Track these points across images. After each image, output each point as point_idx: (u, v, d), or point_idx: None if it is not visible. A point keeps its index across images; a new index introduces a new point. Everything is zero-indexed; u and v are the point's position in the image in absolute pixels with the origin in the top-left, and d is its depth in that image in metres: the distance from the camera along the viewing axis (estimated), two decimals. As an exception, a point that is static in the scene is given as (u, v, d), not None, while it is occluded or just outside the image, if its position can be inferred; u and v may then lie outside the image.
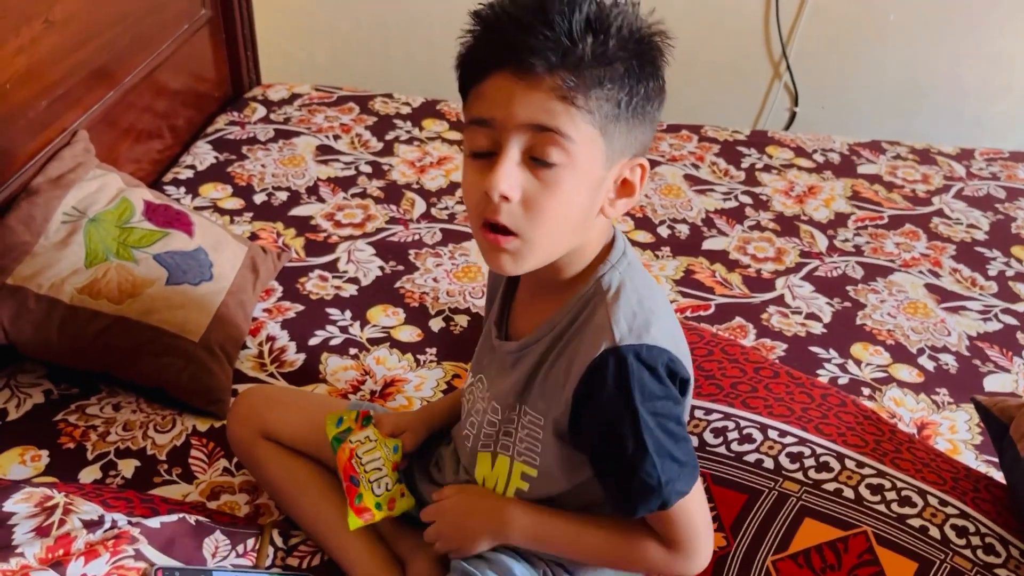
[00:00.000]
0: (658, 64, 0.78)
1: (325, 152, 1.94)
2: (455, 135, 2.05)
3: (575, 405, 0.81)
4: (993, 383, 1.42)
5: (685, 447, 0.82)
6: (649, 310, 0.81)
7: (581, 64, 0.72)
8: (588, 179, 0.77)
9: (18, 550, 0.85)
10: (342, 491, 1.02)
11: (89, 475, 1.17)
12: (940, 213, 1.87)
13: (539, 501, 0.91)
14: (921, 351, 1.48)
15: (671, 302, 1.56)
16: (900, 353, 1.47)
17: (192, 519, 1.00)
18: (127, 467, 1.19)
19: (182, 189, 1.76)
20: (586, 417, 0.81)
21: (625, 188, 0.82)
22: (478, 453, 0.95)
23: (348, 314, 1.48)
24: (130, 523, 0.94)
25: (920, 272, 1.68)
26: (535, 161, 0.75)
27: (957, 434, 1.32)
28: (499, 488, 0.93)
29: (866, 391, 1.38)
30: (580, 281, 0.84)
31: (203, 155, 1.87)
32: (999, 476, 1.16)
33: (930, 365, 1.44)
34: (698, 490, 0.84)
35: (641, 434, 0.78)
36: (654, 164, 1.99)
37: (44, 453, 1.20)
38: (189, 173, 1.81)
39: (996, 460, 1.22)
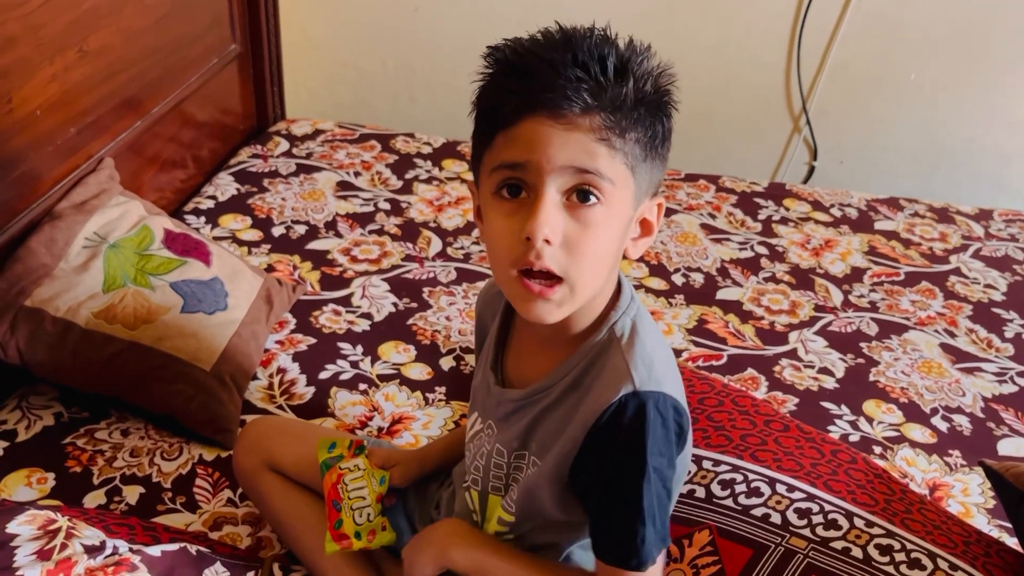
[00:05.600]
0: (671, 104, 0.79)
1: (345, 188, 1.96)
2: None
3: (585, 446, 0.80)
4: (1008, 447, 1.40)
5: (665, 516, 0.82)
6: (661, 359, 0.82)
7: (617, 106, 0.73)
8: (621, 219, 0.78)
9: (18, 572, 0.85)
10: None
11: (93, 500, 1.17)
12: (957, 272, 1.86)
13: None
14: (935, 411, 1.46)
15: (683, 351, 1.55)
16: (913, 412, 1.45)
17: (193, 549, 0.99)
18: (132, 493, 1.19)
19: (202, 219, 1.78)
20: (595, 459, 0.80)
21: (645, 227, 0.83)
22: (489, 496, 0.94)
23: (359, 349, 1.49)
24: (131, 550, 0.94)
25: (936, 331, 1.66)
26: (573, 202, 0.75)
27: (970, 497, 1.29)
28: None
29: (877, 449, 1.36)
30: (592, 328, 0.84)
31: (225, 186, 1.90)
32: (1012, 541, 1.14)
33: (943, 426, 1.43)
34: (660, 565, 0.84)
35: (641, 488, 0.78)
36: (671, 212, 2.00)
37: (50, 476, 1.20)
38: (210, 203, 1.84)
39: (1010, 525, 1.20)
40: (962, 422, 1.44)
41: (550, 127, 0.72)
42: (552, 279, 0.76)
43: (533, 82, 0.73)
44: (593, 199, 0.74)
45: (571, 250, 0.75)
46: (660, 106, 0.77)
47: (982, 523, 1.24)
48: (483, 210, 0.80)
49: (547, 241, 0.74)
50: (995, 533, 1.21)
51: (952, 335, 1.66)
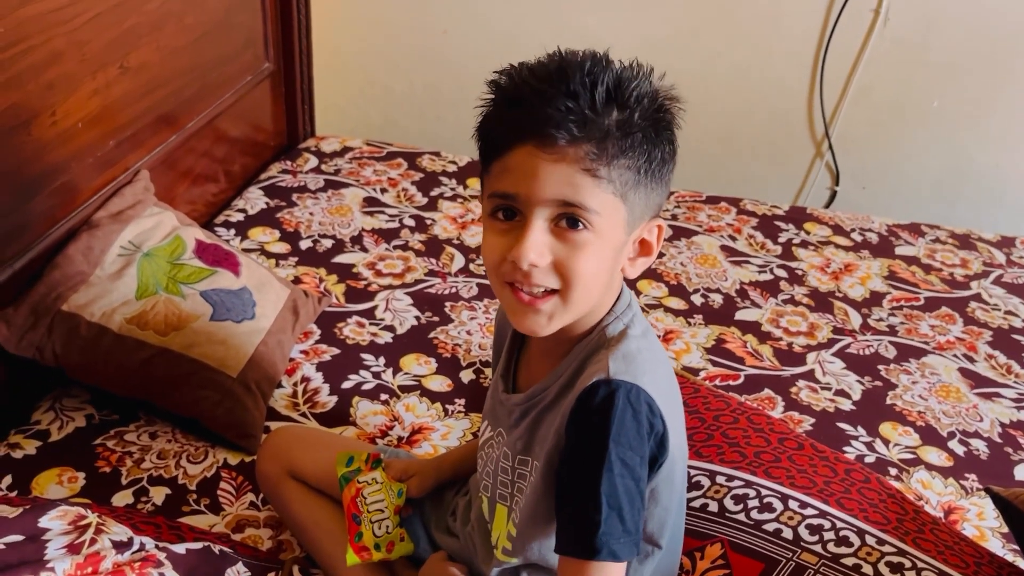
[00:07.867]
0: (672, 128, 0.80)
1: (371, 204, 2.00)
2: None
3: (567, 438, 0.80)
4: (1025, 472, 1.40)
5: (636, 516, 0.78)
6: (646, 359, 0.82)
7: (604, 135, 0.74)
8: (612, 244, 0.79)
9: (49, 565, 0.88)
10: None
11: (121, 499, 1.21)
12: (978, 298, 1.86)
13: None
14: (952, 435, 1.46)
15: (701, 370, 1.57)
16: (930, 435, 1.45)
17: (216, 548, 1.02)
18: (158, 494, 1.22)
19: (232, 231, 1.83)
20: (567, 446, 0.80)
21: (643, 248, 0.85)
22: (496, 505, 0.96)
23: (382, 360, 1.52)
24: (157, 547, 0.97)
25: (955, 356, 1.67)
26: (562, 228, 0.77)
27: (985, 521, 1.29)
28: None
29: (893, 471, 1.37)
30: (588, 333, 0.86)
31: (255, 200, 1.95)
32: (1025, 565, 1.14)
33: (960, 449, 1.43)
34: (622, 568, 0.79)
35: (600, 472, 0.76)
36: (691, 233, 2.02)
37: (81, 475, 1.24)
38: (240, 216, 1.88)
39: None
40: (979, 446, 1.44)
41: (538, 157, 0.75)
42: (546, 292, 0.78)
43: (523, 112, 0.75)
44: (581, 226, 0.76)
45: (561, 271, 0.78)
46: (658, 131, 0.78)
47: (996, 547, 1.24)
48: (483, 226, 0.83)
49: (533, 265, 0.77)
50: (1009, 557, 1.21)
51: (971, 360, 1.66)
